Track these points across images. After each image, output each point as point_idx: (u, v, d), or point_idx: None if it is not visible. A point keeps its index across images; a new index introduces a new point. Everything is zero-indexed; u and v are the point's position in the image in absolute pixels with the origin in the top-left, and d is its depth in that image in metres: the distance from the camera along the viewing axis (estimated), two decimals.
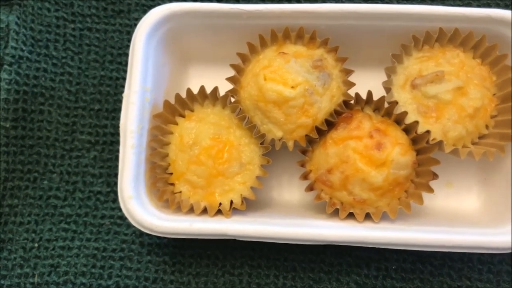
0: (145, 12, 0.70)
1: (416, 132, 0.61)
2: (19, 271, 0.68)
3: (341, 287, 0.67)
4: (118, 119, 0.72)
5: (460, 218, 0.66)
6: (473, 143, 0.63)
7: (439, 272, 0.67)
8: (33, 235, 0.70)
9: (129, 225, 0.70)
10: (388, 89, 0.63)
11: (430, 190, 0.61)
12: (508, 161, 0.64)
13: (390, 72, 0.64)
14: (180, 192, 0.64)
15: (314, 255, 0.69)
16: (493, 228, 0.60)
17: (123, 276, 0.69)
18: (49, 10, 0.76)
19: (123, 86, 0.74)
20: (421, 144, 0.61)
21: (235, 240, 0.61)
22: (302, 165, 0.64)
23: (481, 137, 0.63)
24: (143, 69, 0.63)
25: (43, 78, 0.74)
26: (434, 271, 0.67)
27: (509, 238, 0.58)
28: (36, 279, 0.68)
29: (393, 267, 0.68)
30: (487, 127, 0.63)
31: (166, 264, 0.69)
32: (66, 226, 0.71)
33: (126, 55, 0.75)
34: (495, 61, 0.63)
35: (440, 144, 0.61)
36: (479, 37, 0.63)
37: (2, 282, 0.68)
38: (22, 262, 0.69)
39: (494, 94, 0.63)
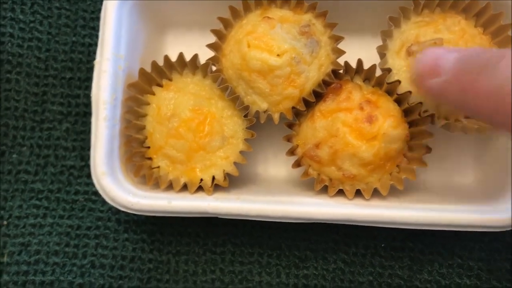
0: None
1: (408, 103, 0.57)
2: None
3: (328, 265, 0.65)
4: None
5: (454, 194, 0.63)
6: (466, 117, 0.60)
7: (430, 250, 0.65)
8: (2, 212, 0.67)
9: (104, 202, 0.66)
10: (382, 55, 0.59)
11: (423, 164, 0.58)
12: (504, 136, 0.61)
13: (385, 36, 0.59)
14: (158, 167, 0.60)
15: (300, 232, 0.66)
16: (489, 205, 0.57)
17: (99, 255, 0.66)
18: None
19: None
20: (413, 116, 0.58)
21: (217, 217, 0.58)
22: (289, 140, 0.61)
23: None
24: (116, 34, 0.58)
25: (9, 44, 0.69)
26: (425, 249, 0.65)
27: (507, 215, 0.55)
28: (5, 259, 0.65)
29: (382, 245, 0.65)
30: None
31: (144, 242, 0.66)
32: (38, 202, 0.67)
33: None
34: (497, 31, 0.59)
35: (432, 117, 0.58)
36: (483, 5, 0.59)
37: None
38: None
39: None
